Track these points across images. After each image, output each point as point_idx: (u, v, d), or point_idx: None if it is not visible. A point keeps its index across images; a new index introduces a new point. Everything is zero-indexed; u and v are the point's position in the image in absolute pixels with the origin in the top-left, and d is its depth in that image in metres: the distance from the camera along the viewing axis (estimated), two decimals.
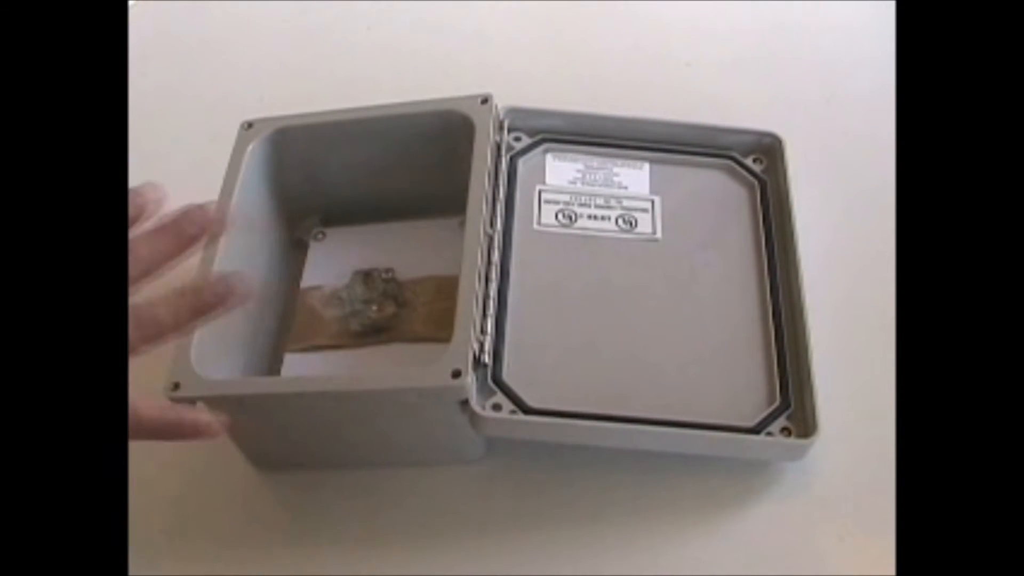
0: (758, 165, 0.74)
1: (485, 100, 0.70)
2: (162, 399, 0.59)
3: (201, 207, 0.55)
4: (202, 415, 0.54)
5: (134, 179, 0.83)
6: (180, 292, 0.52)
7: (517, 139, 0.74)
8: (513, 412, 0.60)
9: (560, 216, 0.70)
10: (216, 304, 0.52)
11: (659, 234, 0.70)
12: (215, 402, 0.61)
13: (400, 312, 0.70)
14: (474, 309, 0.60)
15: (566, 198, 0.71)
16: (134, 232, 0.53)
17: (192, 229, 0.53)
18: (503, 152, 0.72)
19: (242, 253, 0.68)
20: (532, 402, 0.61)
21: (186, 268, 0.67)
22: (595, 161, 0.73)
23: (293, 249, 0.76)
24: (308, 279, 0.74)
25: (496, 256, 0.66)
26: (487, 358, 0.61)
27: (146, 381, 0.62)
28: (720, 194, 0.73)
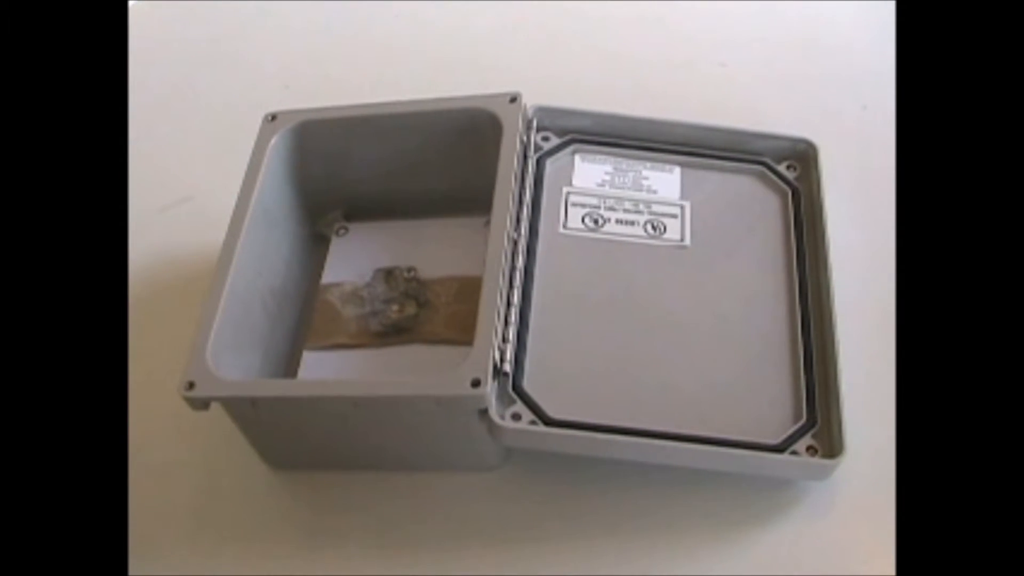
0: (791, 172, 0.72)
1: (514, 99, 0.69)
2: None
3: None
4: None
5: (163, 168, 0.84)
6: None
7: (545, 139, 0.72)
8: (533, 423, 0.59)
9: (587, 220, 0.69)
10: None
11: (688, 241, 0.68)
12: (229, 402, 0.60)
13: (421, 312, 0.69)
14: (496, 316, 0.59)
15: (594, 201, 0.70)
16: None
17: None
18: (531, 152, 0.70)
19: (262, 246, 0.68)
20: (553, 413, 0.60)
21: (204, 261, 0.67)
22: (624, 163, 0.72)
23: (314, 243, 0.76)
24: (329, 275, 0.73)
25: (520, 261, 0.65)
26: (508, 366, 0.60)
27: (161, 379, 0.62)
28: (751, 201, 0.71)
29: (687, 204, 0.70)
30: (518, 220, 0.66)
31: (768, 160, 0.73)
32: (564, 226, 0.69)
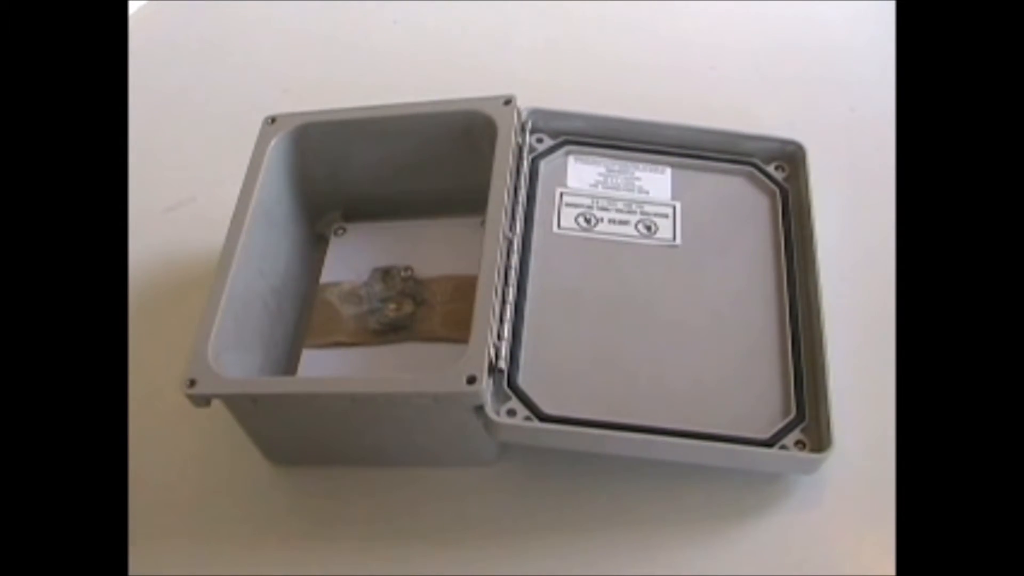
0: (780, 173, 0.73)
1: (508, 101, 0.70)
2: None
3: None
4: None
5: (167, 169, 0.85)
6: None
7: (539, 140, 0.74)
8: (528, 419, 0.60)
9: (580, 220, 0.70)
10: None
11: (679, 240, 0.70)
12: (230, 400, 0.61)
13: (418, 311, 0.71)
14: (491, 314, 0.60)
15: (587, 201, 0.71)
16: None
17: None
18: (525, 153, 0.71)
19: (262, 247, 0.69)
20: (547, 408, 0.61)
21: (206, 261, 0.68)
22: (617, 165, 0.73)
23: (313, 244, 0.77)
24: (327, 274, 0.74)
25: (515, 260, 0.66)
26: (503, 363, 0.61)
27: (164, 377, 0.63)
28: (741, 201, 0.72)
29: (678, 204, 0.71)
30: (513, 220, 0.67)
31: (757, 161, 0.74)
32: (558, 226, 0.70)
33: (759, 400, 0.63)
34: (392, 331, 0.70)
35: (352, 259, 0.75)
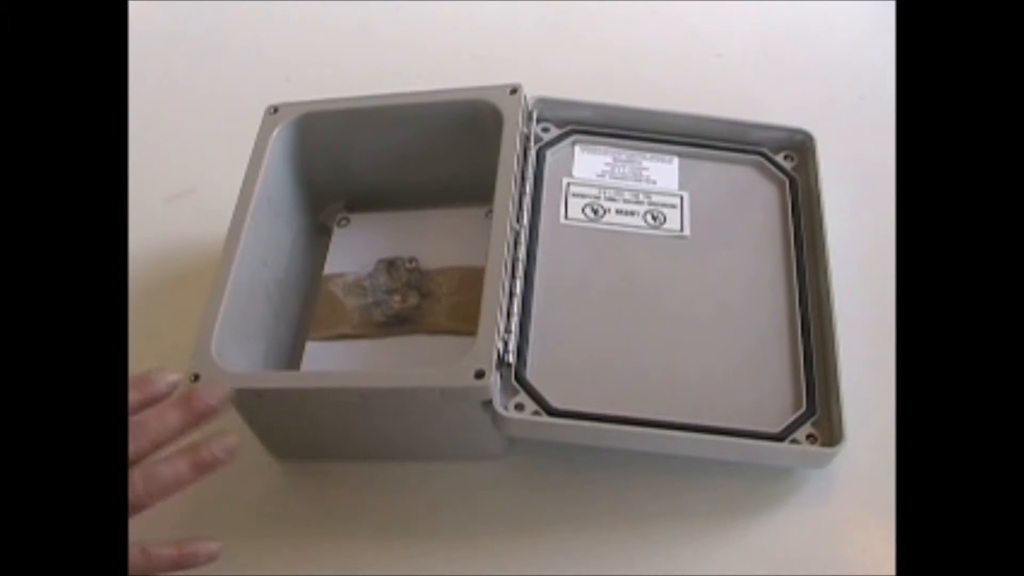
0: (789, 162, 0.73)
1: (514, 90, 0.69)
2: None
3: (210, 386, 0.58)
4: (210, 544, 0.57)
5: (167, 159, 0.84)
6: (182, 451, 0.56)
7: (545, 130, 0.73)
8: (536, 413, 0.60)
9: (588, 210, 0.69)
10: (213, 464, 0.56)
11: (687, 231, 0.69)
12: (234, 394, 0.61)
13: (423, 303, 0.70)
14: (499, 307, 0.59)
15: (594, 192, 0.70)
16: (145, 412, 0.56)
17: (201, 406, 0.57)
18: (531, 143, 0.71)
19: (265, 238, 0.68)
20: (555, 403, 0.60)
21: (206, 253, 0.67)
22: (624, 154, 0.72)
23: (317, 234, 0.76)
24: (331, 266, 0.73)
25: (522, 252, 0.65)
26: (511, 357, 0.60)
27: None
28: (750, 191, 0.72)
29: (686, 194, 0.71)
30: (519, 211, 0.66)
31: (766, 150, 0.73)
32: (565, 216, 0.69)
33: (769, 393, 0.62)
34: (397, 323, 0.69)
35: (356, 250, 0.74)
